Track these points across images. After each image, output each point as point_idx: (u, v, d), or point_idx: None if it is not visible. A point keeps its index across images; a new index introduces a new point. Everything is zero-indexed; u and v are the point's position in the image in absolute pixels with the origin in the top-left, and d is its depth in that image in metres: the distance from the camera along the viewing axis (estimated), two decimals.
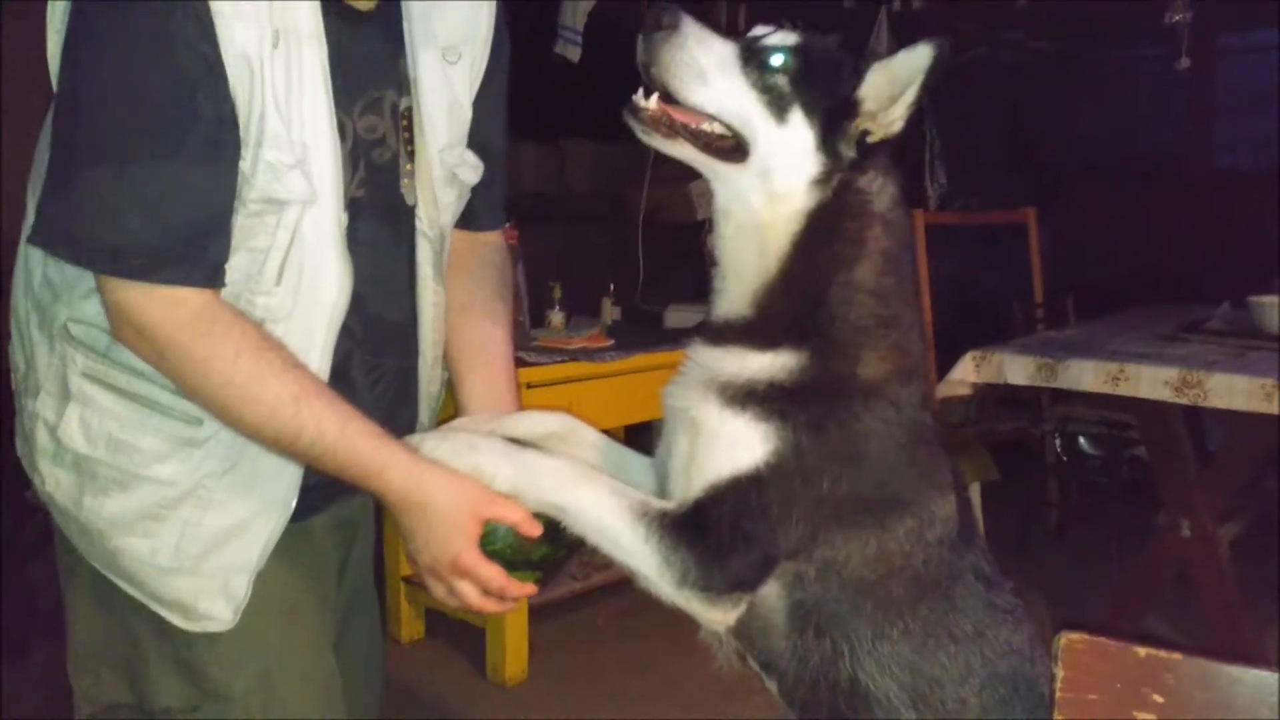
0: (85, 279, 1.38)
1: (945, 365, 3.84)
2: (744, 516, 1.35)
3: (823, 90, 1.36)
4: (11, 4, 3.42)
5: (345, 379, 1.50)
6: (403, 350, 1.60)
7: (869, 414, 1.39)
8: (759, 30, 1.40)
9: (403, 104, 1.52)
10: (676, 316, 4.60)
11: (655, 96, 1.37)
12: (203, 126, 1.30)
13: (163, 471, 1.42)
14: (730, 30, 4.96)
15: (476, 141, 1.63)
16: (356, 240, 1.46)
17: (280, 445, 1.38)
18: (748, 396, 1.38)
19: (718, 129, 1.37)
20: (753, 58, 1.36)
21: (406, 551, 1.48)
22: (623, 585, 3.95)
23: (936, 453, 1.48)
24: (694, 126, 1.37)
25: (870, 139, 1.37)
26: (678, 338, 3.94)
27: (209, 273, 1.34)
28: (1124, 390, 3.28)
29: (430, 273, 1.58)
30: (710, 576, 1.36)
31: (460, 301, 1.66)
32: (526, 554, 1.42)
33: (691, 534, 1.36)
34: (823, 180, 1.36)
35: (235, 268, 1.37)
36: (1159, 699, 1.23)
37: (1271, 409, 2.98)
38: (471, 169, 1.62)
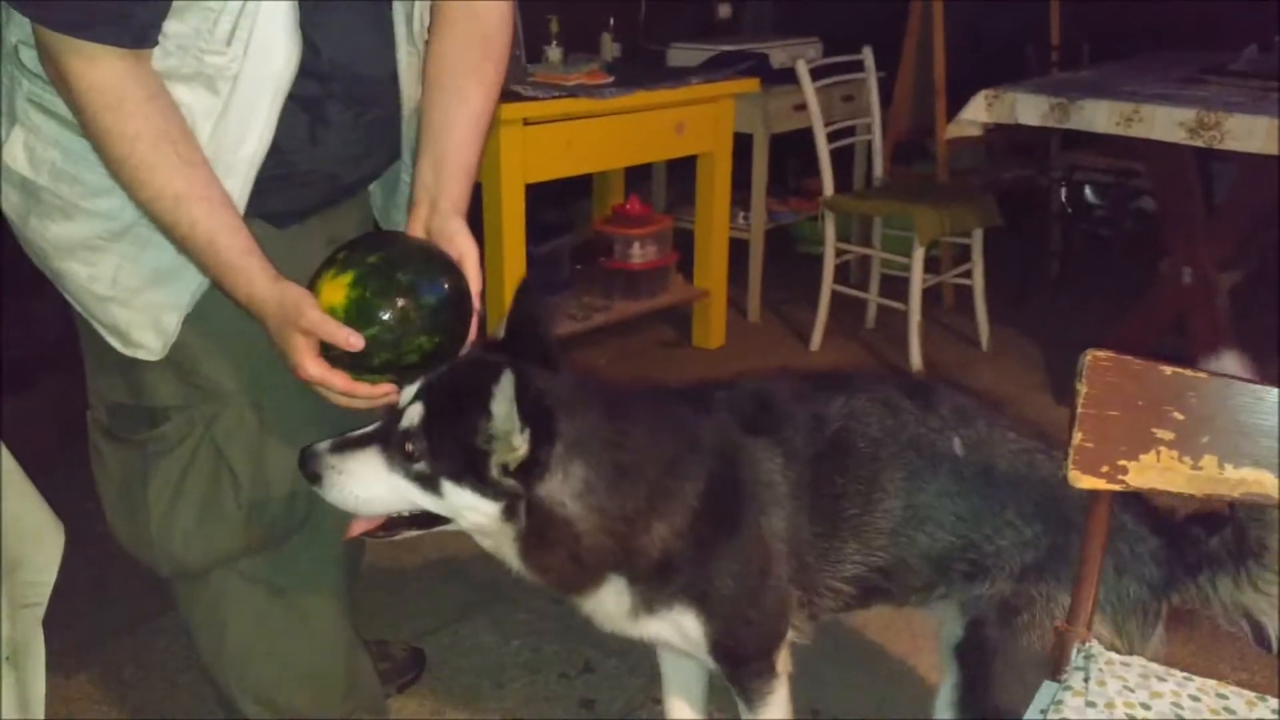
0: None
1: (956, 108, 3.73)
2: (751, 633, 1.63)
3: (456, 453, 1.41)
4: None
5: (321, 118, 1.50)
6: (386, 100, 1.58)
7: (690, 559, 1.54)
8: (404, 399, 1.45)
9: None
10: (679, 55, 4.43)
11: None
12: None
13: (103, 205, 1.43)
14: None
15: None
16: (335, 8, 1.44)
17: (160, 229, 1.41)
18: (646, 607, 1.57)
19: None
20: (394, 452, 1.42)
21: None
22: (621, 327, 3.99)
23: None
24: (409, 514, 1.48)
25: (513, 467, 1.40)
26: (680, 76, 3.87)
27: (134, 35, 1.31)
28: (1137, 131, 3.19)
29: (403, 32, 1.54)
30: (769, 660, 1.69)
31: (432, 73, 1.60)
32: (366, 362, 1.41)
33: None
34: (509, 514, 1.42)
35: (188, 23, 1.35)
36: (1179, 417, 1.23)
37: None
38: None
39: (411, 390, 1.44)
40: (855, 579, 1.64)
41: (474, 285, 1.47)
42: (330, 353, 1.38)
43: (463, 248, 1.49)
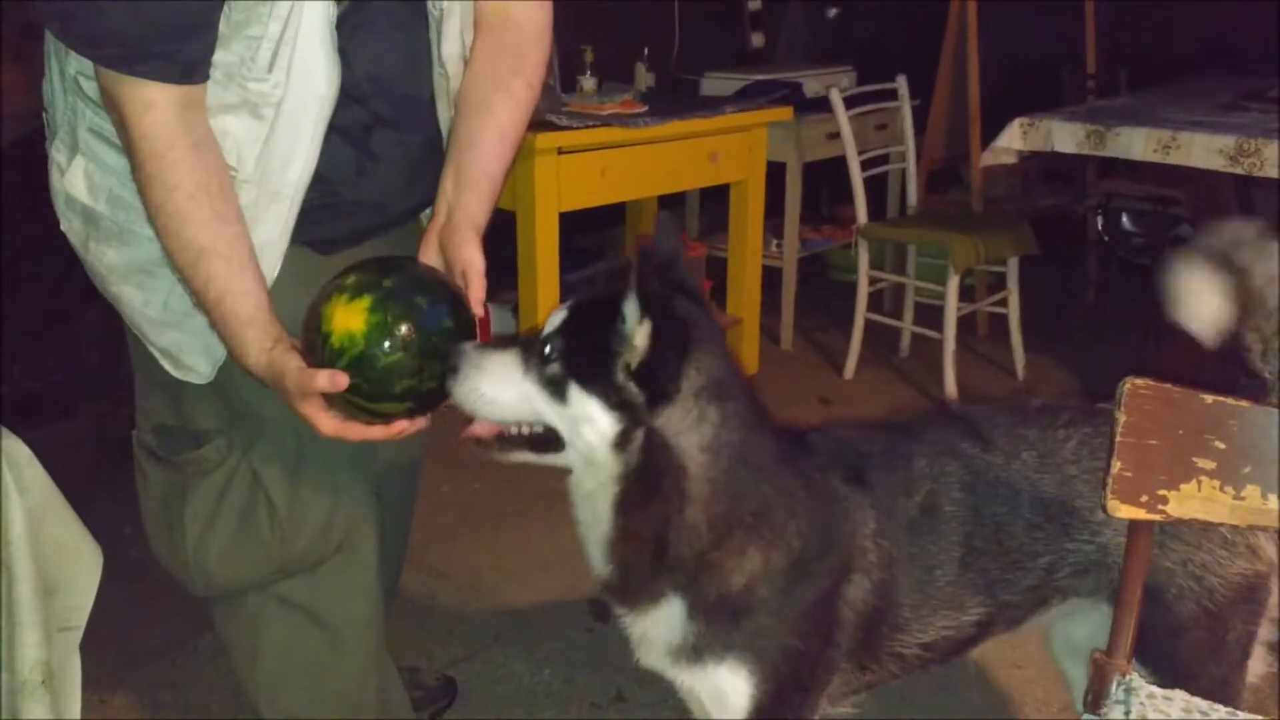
0: None
1: (990, 135, 3.73)
2: (800, 704, 1.52)
3: (588, 354, 1.36)
4: None
5: (368, 153, 1.53)
6: (427, 123, 1.60)
7: (767, 606, 1.44)
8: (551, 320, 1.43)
9: None
10: (713, 84, 4.45)
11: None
12: None
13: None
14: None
15: None
16: (373, 28, 1.46)
17: (180, 279, 1.43)
18: (695, 652, 1.46)
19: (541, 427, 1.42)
20: (533, 355, 1.39)
21: None
22: None
23: (827, 510, 1.50)
24: (526, 433, 1.43)
25: (634, 365, 1.33)
26: (713, 105, 3.88)
27: (183, 69, 1.34)
28: (1175, 159, 3.18)
29: (435, 53, 1.56)
30: None
31: (464, 85, 1.61)
32: (387, 390, 1.38)
33: None
34: (623, 440, 1.36)
35: (233, 52, 1.38)
36: (1221, 446, 1.21)
37: None
38: None
39: (561, 310, 1.42)
40: (938, 642, 1.57)
41: (476, 294, 1.47)
42: (353, 383, 1.36)
43: (469, 258, 1.49)
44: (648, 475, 1.36)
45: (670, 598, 1.45)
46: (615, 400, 1.34)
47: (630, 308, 1.31)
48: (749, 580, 1.43)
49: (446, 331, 1.39)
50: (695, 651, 1.46)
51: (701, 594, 1.43)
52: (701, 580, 1.42)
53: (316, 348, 1.38)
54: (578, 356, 1.36)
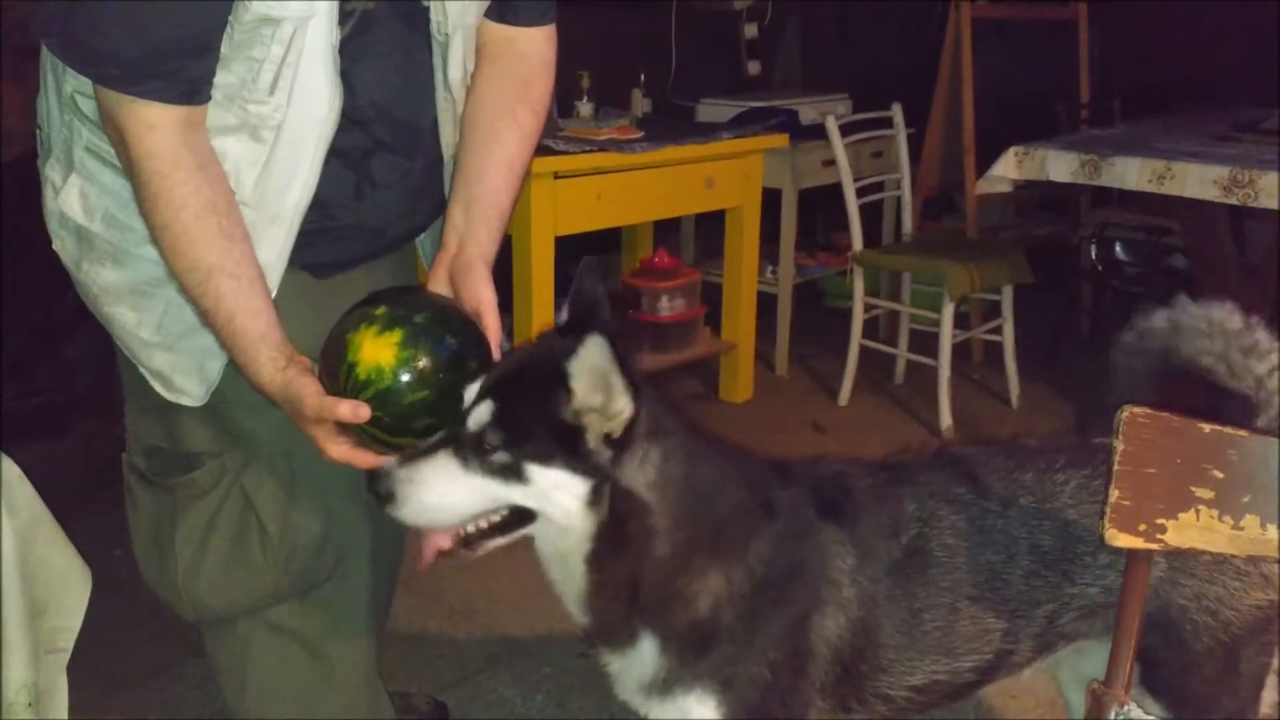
0: None
1: (985, 164, 3.74)
2: None
3: (538, 434, 1.34)
4: None
5: (367, 178, 1.52)
6: (428, 149, 1.59)
7: (733, 632, 1.44)
8: (467, 400, 1.38)
9: None
10: (709, 110, 4.47)
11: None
12: None
13: (152, 252, 1.44)
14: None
15: None
16: (376, 52, 1.46)
17: (188, 299, 1.43)
18: (665, 685, 1.46)
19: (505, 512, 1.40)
20: (469, 451, 1.34)
21: None
22: (681, 370, 3.99)
23: (793, 527, 1.49)
24: (488, 524, 1.40)
25: (614, 435, 1.33)
26: (709, 131, 3.89)
27: (184, 90, 1.35)
28: (1169, 189, 3.19)
29: (441, 78, 1.56)
30: None
31: (470, 114, 1.62)
32: (409, 423, 1.38)
33: None
34: (596, 497, 1.35)
35: (234, 73, 1.38)
36: (1219, 475, 1.21)
37: None
38: None
39: (472, 390, 1.38)
40: (929, 687, 1.55)
41: (493, 336, 1.47)
42: (374, 415, 1.36)
43: (481, 295, 1.50)
44: (617, 523, 1.36)
45: (644, 635, 1.45)
46: (584, 467, 1.34)
47: (617, 383, 1.30)
48: (715, 602, 1.43)
49: (471, 373, 1.39)
50: (665, 684, 1.46)
51: (673, 625, 1.43)
52: (672, 611, 1.43)
53: (338, 375, 1.38)
54: (529, 439, 1.34)
